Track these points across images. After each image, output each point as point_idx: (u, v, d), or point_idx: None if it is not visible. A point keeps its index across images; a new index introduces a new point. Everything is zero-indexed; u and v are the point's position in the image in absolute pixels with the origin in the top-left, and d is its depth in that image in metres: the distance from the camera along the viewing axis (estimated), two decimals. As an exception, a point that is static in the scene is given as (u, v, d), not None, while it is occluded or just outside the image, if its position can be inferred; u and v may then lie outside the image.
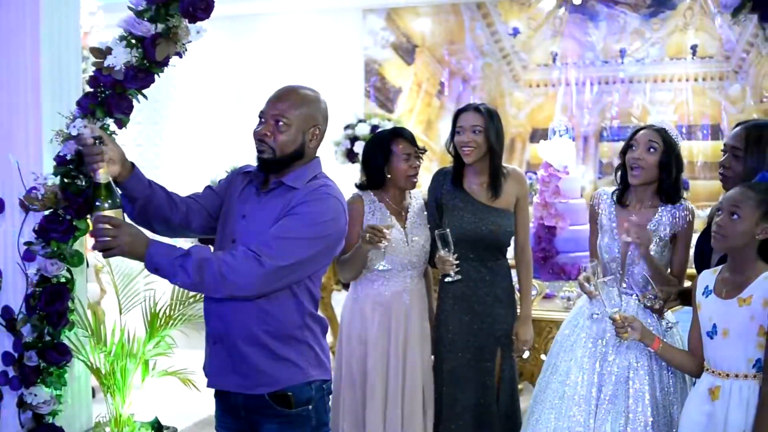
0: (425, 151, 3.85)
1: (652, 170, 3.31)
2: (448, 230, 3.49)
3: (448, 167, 3.89)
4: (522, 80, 7.61)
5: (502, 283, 3.80)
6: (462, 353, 3.72)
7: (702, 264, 3.07)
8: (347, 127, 7.16)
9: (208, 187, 2.87)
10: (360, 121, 7.19)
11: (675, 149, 3.33)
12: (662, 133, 3.32)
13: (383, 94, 7.91)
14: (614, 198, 3.47)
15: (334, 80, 7.88)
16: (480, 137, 3.65)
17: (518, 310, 3.86)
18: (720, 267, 2.78)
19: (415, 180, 3.77)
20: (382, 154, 3.71)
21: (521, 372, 4.78)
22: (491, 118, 3.68)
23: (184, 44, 3.19)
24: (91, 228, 2.37)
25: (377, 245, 3.46)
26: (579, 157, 7.16)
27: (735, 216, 2.61)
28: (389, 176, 3.71)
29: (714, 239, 2.70)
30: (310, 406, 2.67)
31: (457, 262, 3.51)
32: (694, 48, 7.15)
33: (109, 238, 2.35)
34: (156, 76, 3.28)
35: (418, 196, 3.90)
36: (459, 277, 3.55)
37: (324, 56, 8.00)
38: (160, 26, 3.15)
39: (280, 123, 2.62)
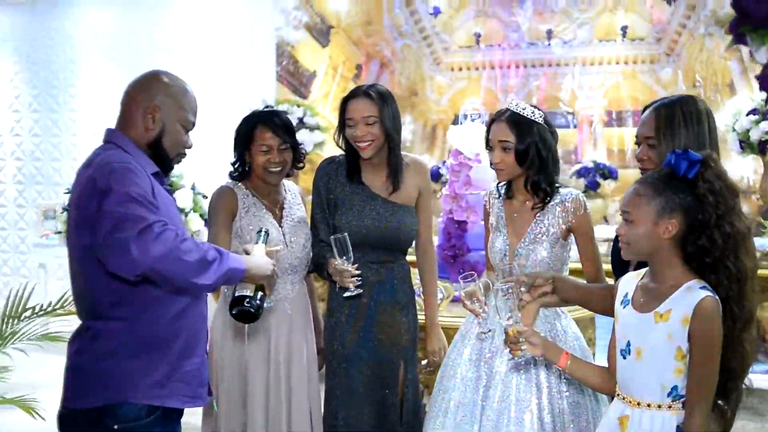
0: (303, 154, 3.38)
1: (513, 168, 2.98)
2: (346, 234, 2.99)
3: (339, 156, 3.43)
4: (443, 63, 7.18)
5: (403, 287, 3.36)
6: (360, 369, 3.26)
7: (621, 271, 2.60)
8: (252, 113, 6.64)
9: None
10: (267, 107, 6.65)
11: (531, 133, 2.95)
12: (512, 121, 2.95)
13: (296, 79, 7.41)
14: (502, 191, 3.13)
15: (243, 63, 7.32)
16: (375, 128, 3.18)
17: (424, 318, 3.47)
18: (644, 270, 2.34)
19: (276, 175, 3.27)
20: (244, 139, 3.25)
21: (426, 385, 4.39)
22: (384, 101, 3.22)
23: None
24: None
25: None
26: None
27: (629, 221, 2.23)
28: (247, 167, 3.27)
29: (621, 249, 2.30)
30: None
31: (358, 273, 3.03)
32: (624, 29, 6.82)
33: None
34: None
35: (293, 189, 3.43)
36: (360, 291, 3.07)
37: (233, 38, 7.43)
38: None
39: None
